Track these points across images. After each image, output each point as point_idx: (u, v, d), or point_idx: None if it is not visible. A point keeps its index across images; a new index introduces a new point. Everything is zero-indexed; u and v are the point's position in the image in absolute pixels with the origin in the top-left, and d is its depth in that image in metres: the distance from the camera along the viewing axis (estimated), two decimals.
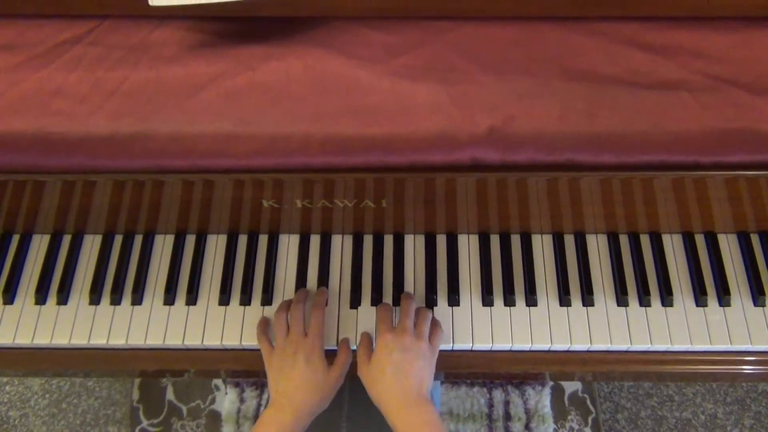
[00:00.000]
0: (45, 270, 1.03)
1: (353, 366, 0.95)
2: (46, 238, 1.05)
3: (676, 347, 0.97)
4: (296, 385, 0.89)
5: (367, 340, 0.96)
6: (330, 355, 0.95)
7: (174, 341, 0.98)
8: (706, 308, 0.99)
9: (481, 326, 0.98)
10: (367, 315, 1.00)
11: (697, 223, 1.02)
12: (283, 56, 0.89)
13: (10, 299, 1.01)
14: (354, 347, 0.98)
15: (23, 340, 0.98)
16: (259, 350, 0.96)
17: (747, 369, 0.98)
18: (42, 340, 0.98)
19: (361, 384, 1.05)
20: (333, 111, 0.85)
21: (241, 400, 1.64)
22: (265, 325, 0.98)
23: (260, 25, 0.93)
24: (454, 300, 1.00)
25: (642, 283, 1.00)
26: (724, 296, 0.98)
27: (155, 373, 1.04)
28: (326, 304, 0.99)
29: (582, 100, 0.86)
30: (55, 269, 1.03)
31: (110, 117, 0.85)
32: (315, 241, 1.05)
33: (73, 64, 0.90)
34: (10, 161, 0.84)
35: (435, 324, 0.96)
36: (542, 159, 0.83)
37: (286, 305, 0.97)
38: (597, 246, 1.04)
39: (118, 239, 1.05)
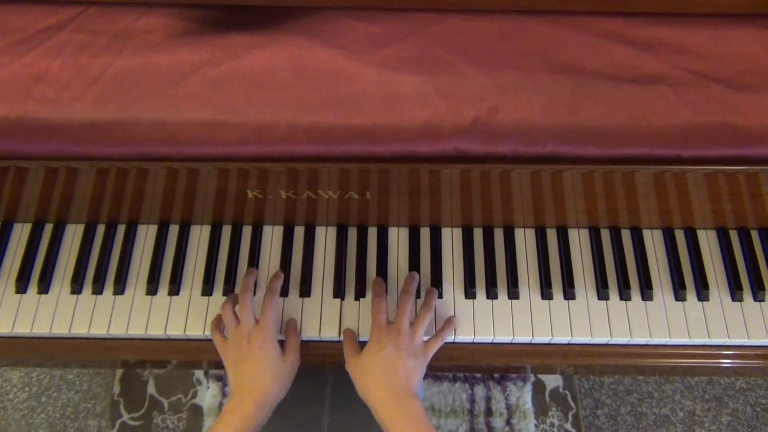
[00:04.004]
0: (26, 259, 1.02)
1: (333, 357, 0.95)
2: (28, 226, 1.05)
3: (656, 341, 0.98)
4: (253, 375, 0.89)
5: (352, 335, 0.96)
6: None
7: (156, 331, 0.98)
8: (685, 302, 1.00)
9: (463, 318, 0.99)
10: (350, 306, 1.00)
11: (677, 219, 1.03)
12: (268, 45, 0.89)
13: None
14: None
15: (3, 329, 0.98)
16: None
17: (725, 363, 1.00)
18: (22, 329, 0.98)
19: (344, 377, 1.05)
20: (317, 100, 0.85)
21: (223, 394, 1.64)
22: (219, 320, 0.97)
23: (245, 14, 0.93)
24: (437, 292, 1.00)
25: (622, 278, 1.01)
26: (702, 291, 1.00)
27: (137, 363, 1.04)
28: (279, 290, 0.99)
29: (565, 93, 0.86)
30: (36, 258, 1.03)
31: (94, 104, 0.85)
32: (299, 232, 1.05)
33: (57, 50, 0.89)
34: None
35: (443, 329, 0.96)
36: (525, 151, 0.84)
37: (234, 297, 0.97)
38: (579, 240, 1.05)
39: (101, 228, 1.05)
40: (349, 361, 0.92)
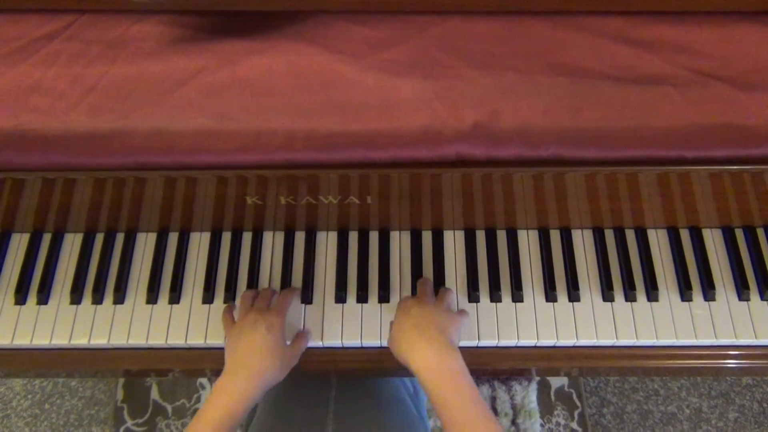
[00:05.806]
0: (25, 269, 1.01)
1: (337, 364, 0.94)
2: (26, 237, 1.04)
3: (662, 342, 0.97)
4: (253, 349, 0.87)
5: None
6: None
7: (157, 341, 0.97)
8: (691, 303, 0.99)
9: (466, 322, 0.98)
10: (352, 311, 0.99)
11: (682, 218, 1.02)
12: (266, 51, 0.88)
13: None
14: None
15: (2, 341, 0.97)
16: None
17: (730, 363, 0.99)
18: (22, 341, 0.97)
19: (348, 383, 1.04)
20: (316, 106, 0.84)
21: None
22: (231, 307, 0.98)
23: (241, 19, 0.92)
24: None
25: (627, 279, 1.00)
26: (709, 291, 0.99)
27: (139, 373, 1.03)
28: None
29: (567, 95, 0.85)
30: (35, 268, 1.02)
31: (89, 113, 0.84)
32: (300, 237, 1.04)
33: (51, 59, 0.88)
34: None
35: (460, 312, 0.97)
36: (527, 154, 0.83)
37: (255, 290, 0.98)
38: (583, 241, 1.03)
39: (99, 238, 1.04)
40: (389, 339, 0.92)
